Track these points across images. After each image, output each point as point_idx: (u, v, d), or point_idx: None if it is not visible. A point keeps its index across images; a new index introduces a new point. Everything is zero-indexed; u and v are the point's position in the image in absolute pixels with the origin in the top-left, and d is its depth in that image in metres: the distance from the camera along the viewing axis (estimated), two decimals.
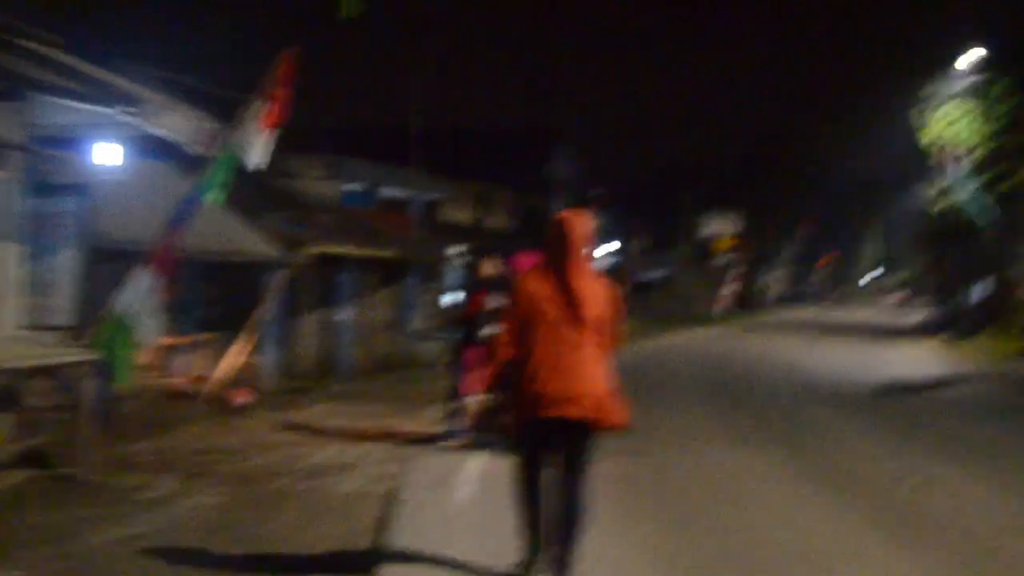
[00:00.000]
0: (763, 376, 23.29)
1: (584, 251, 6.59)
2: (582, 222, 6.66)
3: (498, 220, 44.37)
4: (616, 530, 8.43)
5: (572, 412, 6.44)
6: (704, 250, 60.20)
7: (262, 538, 8.23)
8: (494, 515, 8.90)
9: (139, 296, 10.91)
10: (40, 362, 10.07)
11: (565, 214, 6.76)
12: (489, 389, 6.80)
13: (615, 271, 46.09)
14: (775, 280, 66.99)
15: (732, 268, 59.80)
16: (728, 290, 59.02)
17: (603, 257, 57.44)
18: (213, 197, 11.09)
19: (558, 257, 6.59)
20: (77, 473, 10.01)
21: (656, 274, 59.08)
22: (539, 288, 6.56)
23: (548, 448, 6.61)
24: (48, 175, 12.13)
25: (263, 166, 11.06)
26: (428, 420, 14.84)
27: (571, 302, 6.51)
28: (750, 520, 8.99)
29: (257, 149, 10.94)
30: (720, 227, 59.04)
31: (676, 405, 17.68)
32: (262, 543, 8.09)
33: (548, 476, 6.67)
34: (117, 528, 8.42)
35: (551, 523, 6.67)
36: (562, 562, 6.64)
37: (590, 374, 6.50)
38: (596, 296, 6.59)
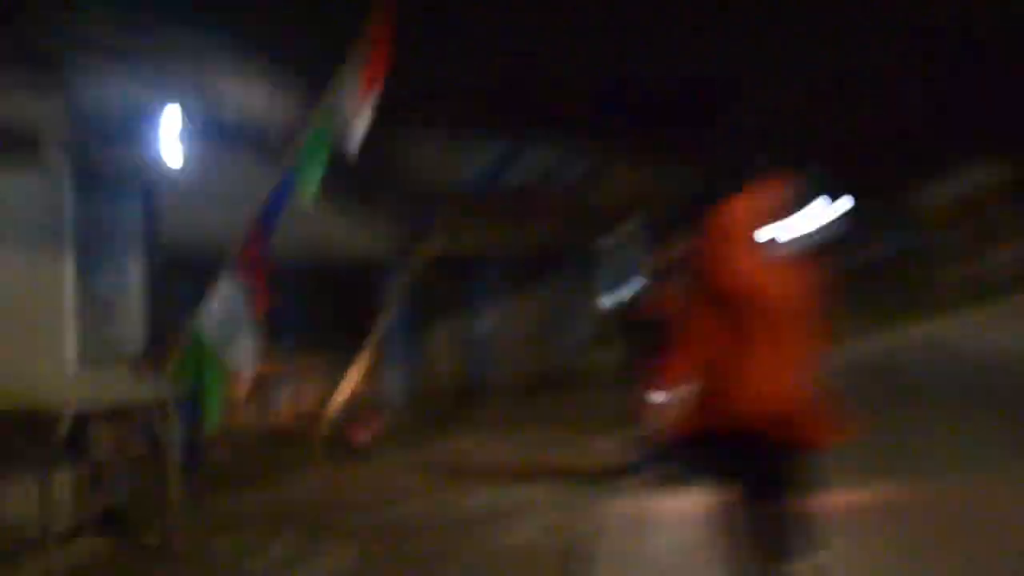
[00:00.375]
0: None
1: (757, 236, 6.77)
2: (752, 205, 6.83)
3: (676, 187, 43.97)
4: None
5: (759, 427, 6.47)
6: (961, 210, 58.85)
7: None
8: (702, 570, 8.71)
9: (226, 314, 10.96)
10: (109, 403, 10.18)
11: (729, 203, 6.87)
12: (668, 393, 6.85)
13: (828, 248, 45.23)
14: None
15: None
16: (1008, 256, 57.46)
17: (810, 231, 56.54)
18: (307, 199, 11.04)
19: (725, 247, 6.74)
20: (164, 539, 10.08)
21: (893, 247, 57.84)
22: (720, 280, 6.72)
23: (743, 476, 6.62)
24: (103, 171, 12.31)
25: (358, 147, 10.94)
26: (602, 451, 14.70)
27: (750, 295, 6.62)
28: None
29: (357, 127, 10.84)
30: (985, 176, 57.31)
31: (941, 418, 17.23)
32: None
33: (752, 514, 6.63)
34: None
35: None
36: None
37: (779, 380, 6.54)
38: (784, 287, 6.70)
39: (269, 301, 10.88)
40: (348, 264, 18.36)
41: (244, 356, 10.91)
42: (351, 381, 17.65)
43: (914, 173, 54.12)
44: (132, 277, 12.30)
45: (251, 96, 11.81)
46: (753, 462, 6.53)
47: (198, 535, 10.39)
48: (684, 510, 10.61)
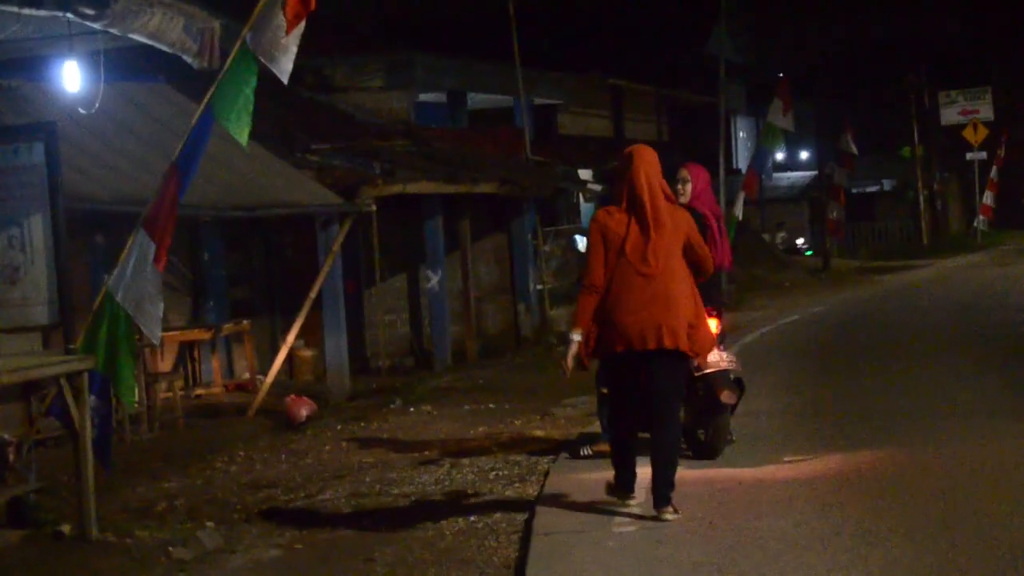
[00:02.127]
0: None
1: (656, 182, 9.49)
2: (651, 154, 9.63)
3: (642, 128, 44.05)
4: (857, 554, 8.22)
5: (650, 344, 9.31)
6: (946, 146, 58.95)
7: None
8: (669, 543, 8.81)
9: (144, 276, 10.88)
10: (12, 378, 10.11)
11: (633, 148, 9.70)
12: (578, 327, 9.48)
13: (821, 187, 45.43)
14: None
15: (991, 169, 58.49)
16: (988, 199, 57.83)
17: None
18: (237, 135, 10.96)
19: (629, 190, 9.47)
20: (81, 529, 10.05)
21: (878, 185, 58.16)
22: (616, 222, 9.46)
23: (635, 382, 9.47)
24: None
25: (287, 75, 10.91)
26: (567, 419, 14.73)
27: (645, 233, 9.35)
28: None
29: (287, 54, 10.80)
30: (967, 110, 57.61)
31: (923, 367, 17.34)
32: None
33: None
34: None
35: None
36: (660, 495, 9.37)
37: (667, 304, 9.33)
38: (674, 226, 9.46)
39: (166, 255, 10.83)
40: (282, 215, 18.27)
41: (159, 324, 10.85)
42: (288, 347, 17.63)
43: (909, 109, 54.00)
44: (36, 236, 12.16)
45: (158, 19, 11.67)
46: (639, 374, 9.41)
47: (118, 524, 10.36)
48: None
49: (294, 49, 10.67)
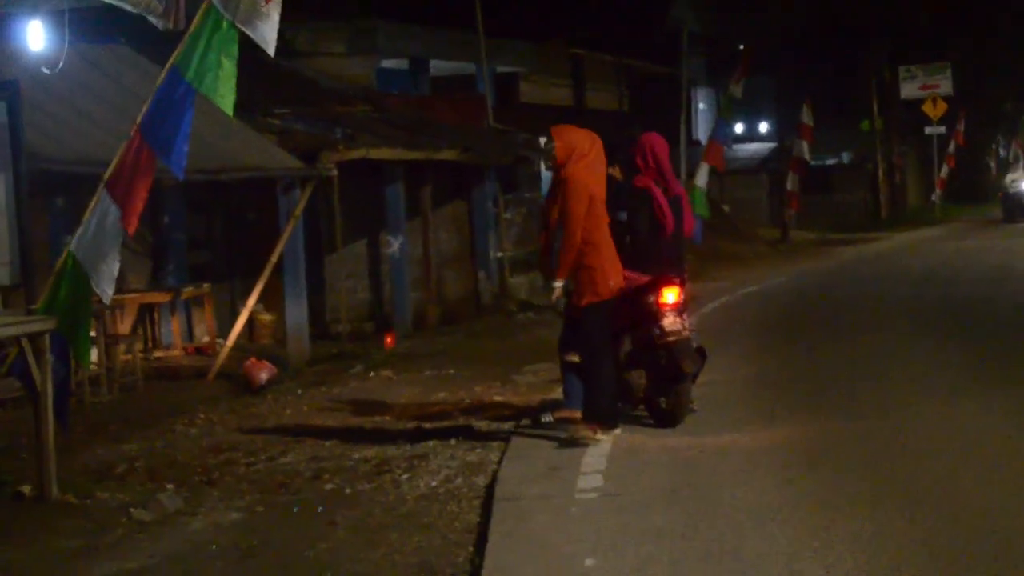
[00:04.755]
0: (1007, 297, 22.85)
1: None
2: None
3: (602, 97, 44.00)
4: (818, 525, 8.25)
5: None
6: (905, 120, 59.11)
7: (307, 567, 8.17)
8: (631, 510, 8.84)
9: (104, 237, 10.81)
10: None
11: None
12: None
13: (780, 159, 45.49)
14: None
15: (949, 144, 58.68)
16: (944, 173, 58.06)
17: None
18: (223, 105, 10.83)
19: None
20: (41, 491, 10.02)
21: (837, 158, 58.26)
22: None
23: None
24: None
25: (271, 44, 10.79)
26: (528, 385, 14.75)
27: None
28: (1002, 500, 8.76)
29: (268, 22, 10.69)
30: (927, 84, 57.76)
31: (883, 339, 17.41)
32: (307, 574, 8.02)
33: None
34: (102, 565, 8.41)
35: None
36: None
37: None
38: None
39: (137, 220, 10.73)
40: (243, 179, 18.16)
41: (112, 283, 10.76)
42: (248, 311, 17.57)
43: (868, 82, 54.12)
44: None
45: None
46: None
47: (78, 485, 10.32)
48: (615, 449, 10.69)
49: (276, 17, 10.53)
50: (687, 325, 11.60)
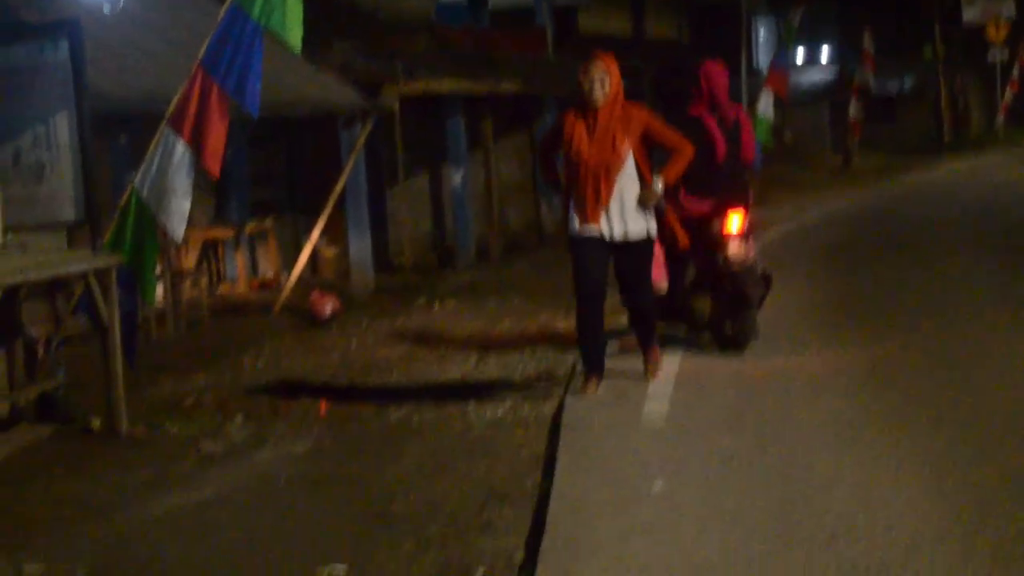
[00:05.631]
0: None
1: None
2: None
3: (663, 27, 43.70)
4: (885, 445, 8.19)
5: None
6: (967, 45, 58.40)
7: (377, 494, 8.18)
8: (699, 434, 8.83)
9: (171, 174, 10.80)
10: (40, 275, 10.10)
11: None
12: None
13: (842, 84, 45.03)
14: None
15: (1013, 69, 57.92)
16: (1007, 97, 57.37)
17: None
18: (290, 39, 10.77)
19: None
20: (109, 424, 10.09)
21: (898, 85, 57.64)
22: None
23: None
24: (17, 11, 12.06)
25: None
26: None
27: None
28: None
29: None
30: (990, 9, 56.98)
31: (945, 263, 17.28)
32: (377, 500, 8.04)
33: None
34: (172, 496, 8.45)
35: None
36: None
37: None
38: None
39: (221, 161, 10.70)
40: (303, 114, 18.16)
41: (183, 221, 10.77)
42: (312, 245, 17.60)
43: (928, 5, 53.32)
44: (62, 134, 12.12)
45: None
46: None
47: (146, 419, 10.39)
48: (680, 373, 10.67)
49: None
50: (752, 251, 11.52)
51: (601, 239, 10.20)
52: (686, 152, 10.26)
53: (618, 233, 10.16)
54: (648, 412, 9.57)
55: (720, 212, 11.34)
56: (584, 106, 10.33)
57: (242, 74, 10.46)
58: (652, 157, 10.32)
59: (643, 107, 10.49)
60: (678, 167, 10.24)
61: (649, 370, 10.61)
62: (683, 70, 12.44)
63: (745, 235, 11.39)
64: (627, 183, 10.13)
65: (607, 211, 10.16)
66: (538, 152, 11.15)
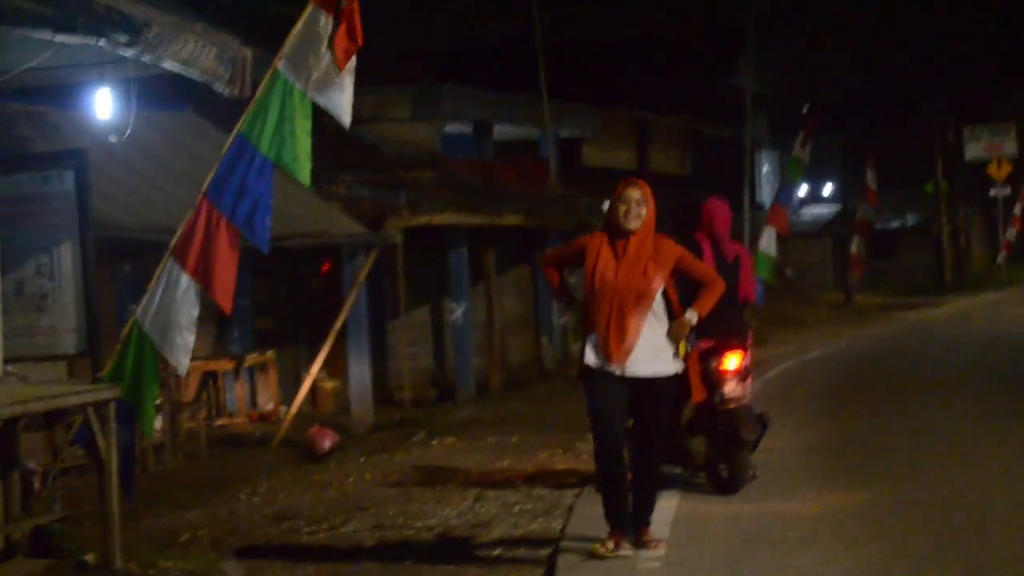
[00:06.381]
0: None
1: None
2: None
3: (666, 160, 43.99)
4: None
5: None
6: (969, 181, 58.61)
7: None
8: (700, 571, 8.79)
9: (175, 306, 10.83)
10: (39, 406, 10.09)
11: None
12: None
13: (844, 222, 45.18)
14: None
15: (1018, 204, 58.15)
16: (1010, 234, 57.54)
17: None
18: (299, 176, 10.80)
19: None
20: (105, 559, 10.04)
21: (901, 220, 57.87)
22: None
23: None
24: (27, 141, 12.18)
25: (347, 114, 10.78)
26: (592, 452, 14.67)
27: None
28: None
29: (343, 92, 10.70)
30: (994, 145, 57.25)
31: (945, 407, 17.26)
32: None
33: None
34: None
35: None
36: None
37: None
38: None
39: (232, 296, 10.68)
40: (308, 245, 18.26)
41: (187, 354, 10.76)
42: (311, 378, 17.63)
43: (932, 143, 53.63)
44: (65, 264, 12.17)
45: (192, 47, 11.61)
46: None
47: (141, 554, 10.33)
48: (681, 514, 10.63)
49: (350, 87, 10.57)
50: (748, 391, 11.55)
51: (622, 376, 9.52)
52: (718, 287, 9.69)
53: (642, 370, 9.49)
54: (644, 555, 9.52)
55: (718, 350, 11.38)
56: (614, 231, 9.59)
57: (252, 208, 10.49)
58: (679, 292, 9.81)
59: (672, 240, 9.81)
60: (709, 301, 9.62)
61: (642, 544, 9.58)
62: (694, 206, 12.46)
63: (743, 374, 11.43)
64: (654, 318, 9.53)
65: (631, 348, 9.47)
66: (542, 263, 10.53)
